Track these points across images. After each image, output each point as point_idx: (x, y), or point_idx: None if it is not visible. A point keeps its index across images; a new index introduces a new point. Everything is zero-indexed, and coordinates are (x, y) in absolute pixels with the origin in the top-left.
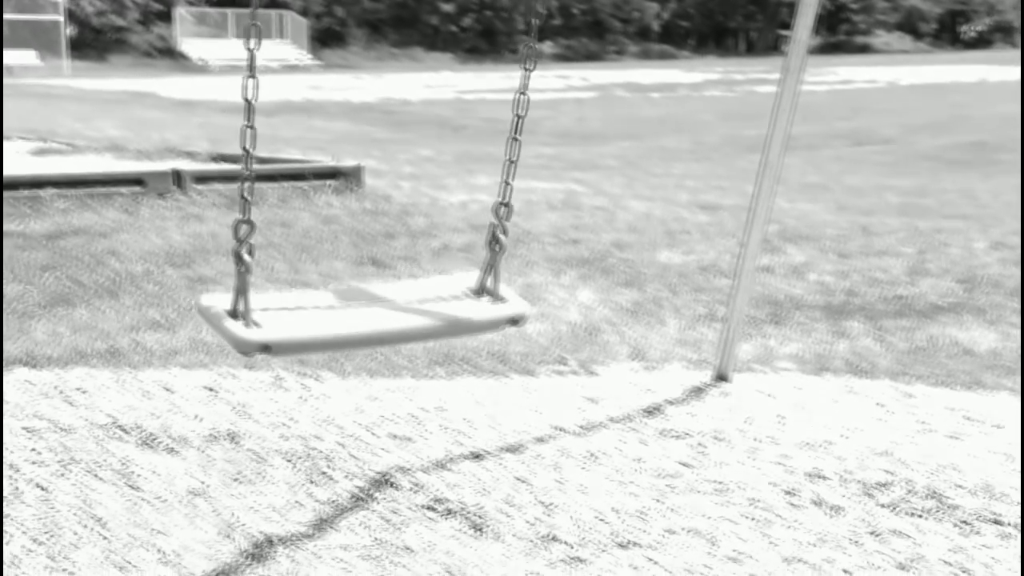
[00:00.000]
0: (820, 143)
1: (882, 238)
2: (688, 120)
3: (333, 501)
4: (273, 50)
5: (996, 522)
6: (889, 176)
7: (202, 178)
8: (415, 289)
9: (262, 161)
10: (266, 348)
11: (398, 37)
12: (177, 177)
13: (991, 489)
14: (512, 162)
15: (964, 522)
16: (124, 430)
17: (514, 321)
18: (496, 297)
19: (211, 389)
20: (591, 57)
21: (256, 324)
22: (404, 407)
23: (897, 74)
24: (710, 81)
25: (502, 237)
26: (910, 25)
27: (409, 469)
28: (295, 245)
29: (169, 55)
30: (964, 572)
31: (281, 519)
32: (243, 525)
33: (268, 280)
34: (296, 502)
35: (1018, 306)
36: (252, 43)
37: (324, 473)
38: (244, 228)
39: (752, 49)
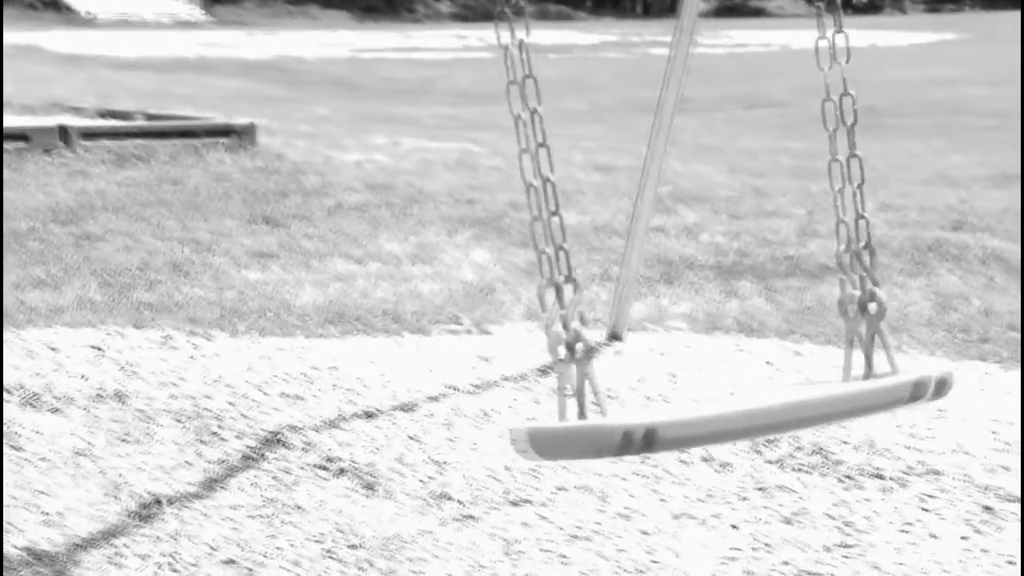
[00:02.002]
0: (714, 106)
1: (773, 199)
2: (585, 81)
3: (223, 460)
4: (164, 5)
5: (878, 476)
6: (782, 139)
7: (89, 134)
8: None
9: (152, 117)
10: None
11: None
12: (63, 133)
13: (874, 444)
14: (839, 191)
15: (847, 476)
16: (7, 390)
17: (918, 389)
18: (884, 373)
19: (98, 348)
20: (489, 17)
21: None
22: (296, 366)
23: (790, 38)
24: (607, 43)
25: (879, 293)
26: None
27: (300, 428)
28: (185, 203)
29: (54, 7)
30: (847, 525)
31: (169, 479)
32: (129, 485)
33: (157, 238)
34: (185, 462)
35: (903, 266)
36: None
37: (214, 433)
38: (569, 293)
39: (648, 11)
